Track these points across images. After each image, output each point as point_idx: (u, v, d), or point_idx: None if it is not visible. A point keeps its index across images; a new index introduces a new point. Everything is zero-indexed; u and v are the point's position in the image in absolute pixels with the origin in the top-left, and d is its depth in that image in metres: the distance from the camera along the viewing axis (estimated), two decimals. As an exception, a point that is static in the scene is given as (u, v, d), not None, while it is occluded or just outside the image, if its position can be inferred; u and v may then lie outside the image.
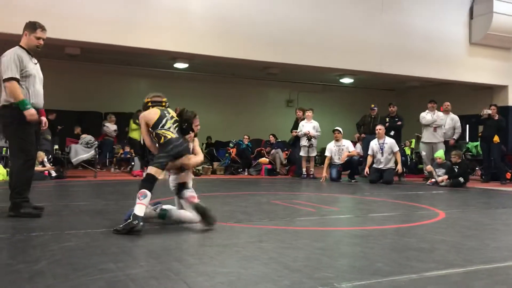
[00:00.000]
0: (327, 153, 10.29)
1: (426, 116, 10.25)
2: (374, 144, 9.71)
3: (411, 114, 12.44)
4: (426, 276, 2.55)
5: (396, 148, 9.61)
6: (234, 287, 2.28)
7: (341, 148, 10.13)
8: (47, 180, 8.59)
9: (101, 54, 12.86)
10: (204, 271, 2.57)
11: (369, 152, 9.74)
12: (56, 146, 9.86)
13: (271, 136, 13.04)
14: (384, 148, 9.57)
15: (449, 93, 14.98)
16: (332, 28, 11.63)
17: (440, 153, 9.49)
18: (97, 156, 10.56)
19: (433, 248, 3.30)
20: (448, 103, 10.78)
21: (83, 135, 10.27)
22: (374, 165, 9.66)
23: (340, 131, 10.21)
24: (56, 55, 13.09)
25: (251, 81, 17.11)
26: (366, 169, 9.83)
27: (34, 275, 2.40)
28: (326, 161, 10.17)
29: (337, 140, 10.20)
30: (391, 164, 9.56)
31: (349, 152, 10.05)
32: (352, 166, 10.05)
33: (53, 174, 8.99)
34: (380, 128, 9.71)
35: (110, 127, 12.62)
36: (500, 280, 2.55)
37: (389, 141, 9.63)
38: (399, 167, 9.53)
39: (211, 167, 12.18)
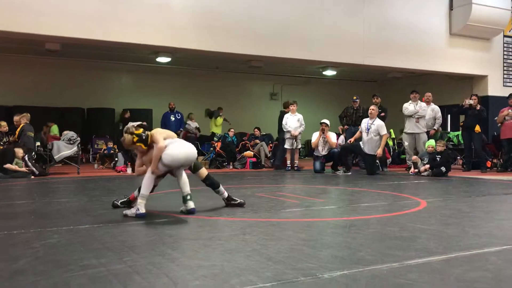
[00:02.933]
0: (313, 140, 10.33)
1: (408, 107, 10.34)
2: (363, 122, 9.70)
3: (393, 104, 12.57)
4: (407, 264, 2.59)
5: (383, 131, 9.36)
6: (217, 279, 2.28)
7: (326, 140, 10.18)
8: (29, 178, 8.48)
9: (81, 49, 12.71)
10: (187, 265, 2.57)
11: (361, 128, 9.74)
12: (38, 143, 9.72)
13: (255, 129, 13.05)
14: (370, 128, 9.45)
15: (430, 84, 15.16)
16: (315, 20, 11.65)
17: (431, 142, 9.53)
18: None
19: (414, 236, 3.35)
20: (430, 94, 10.90)
21: (65, 132, 10.15)
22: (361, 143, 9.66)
23: (327, 124, 10.23)
24: (36, 51, 12.91)
25: (235, 75, 17.07)
26: (351, 140, 9.92)
27: (14, 274, 2.37)
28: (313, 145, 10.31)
29: (323, 132, 10.22)
30: (374, 149, 9.40)
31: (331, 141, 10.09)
32: (335, 157, 10.11)
33: (36, 172, 8.88)
34: (373, 109, 9.62)
35: (192, 124, 13.45)
36: (479, 266, 2.60)
37: (377, 123, 9.44)
38: (379, 151, 9.32)
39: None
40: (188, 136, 13.12)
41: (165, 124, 13.03)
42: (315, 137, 10.34)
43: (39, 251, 2.83)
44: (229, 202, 4.75)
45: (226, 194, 4.76)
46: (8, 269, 2.46)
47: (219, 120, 14.77)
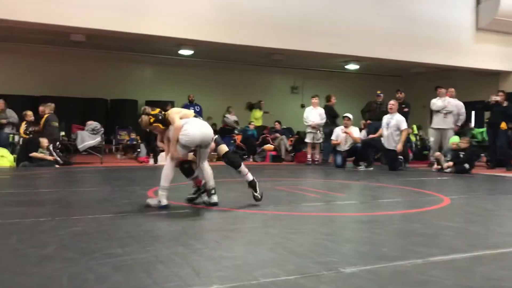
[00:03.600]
0: (333, 137, 10.22)
1: (436, 102, 10.19)
2: (384, 118, 9.59)
3: (416, 100, 12.39)
4: (431, 261, 2.57)
5: (403, 126, 9.20)
6: (239, 271, 2.30)
7: (347, 135, 10.08)
8: (54, 167, 8.64)
9: (106, 41, 12.84)
10: (210, 255, 2.59)
11: (382, 125, 9.64)
12: (62, 133, 9.89)
13: (276, 123, 13.02)
14: (390, 123, 9.33)
15: (455, 79, 14.87)
16: (338, 13, 11.53)
17: (455, 139, 9.37)
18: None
19: (438, 233, 3.31)
20: (453, 90, 10.69)
21: (89, 122, 10.29)
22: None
23: (350, 118, 10.12)
24: (61, 42, 13.09)
25: (256, 68, 17.03)
26: (372, 136, 9.85)
27: (42, 259, 2.43)
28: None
29: (346, 127, 10.11)
30: (394, 144, 9.27)
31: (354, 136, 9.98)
32: (357, 152, 10.02)
33: (60, 161, 9.03)
34: (393, 104, 9.49)
35: (230, 117, 13.45)
36: (505, 265, 2.56)
37: (397, 118, 9.30)
38: (399, 146, 9.17)
39: (216, 154, 12.20)
40: (225, 129, 13.19)
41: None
42: (336, 133, 10.23)
43: (65, 239, 2.89)
44: (250, 188, 4.44)
45: (250, 178, 4.40)
46: (36, 255, 2.51)
47: (259, 112, 14.56)
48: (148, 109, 4.29)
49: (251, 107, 14.78)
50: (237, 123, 13.89)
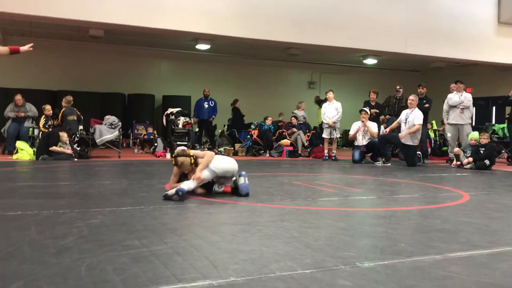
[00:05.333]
0: (351, 132, 10.15)
1: (453, 97, 10.03)
2: (403, 113, 9.46)
3: (435, 95, 12.21)
4: (450, 257, 2.53)
5: (418, 122, 9.07)
6: (256, 264, 2.29)
7: (365, 129, 9.99)
8: (72, 160, 8.75)
9: (124, 35, 12.94)
10: (227, 248, 2.60)
11: (399, 119, 9.54)
12: (81, 127, 10.00)
13: (293, 118, 12.98)
14: (408, 118, 9.22)
15: (475, 74, 14.65)
16: (356, 7, 11.41)
17: (474, 135, 9.24)
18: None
19: (457, 229, 3.26)
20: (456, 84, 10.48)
21: (107, 116, 10.38)
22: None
23: (367, 112, 10.03)
24: (80, 37, 13.24)
25: (273, 62, 17.00)
26: (386, 130, 9.78)
27: (61, 250, 2.46)
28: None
29: (363, 121, 10.02)
30: (414, 140, 9.18)
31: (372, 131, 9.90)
32: (375, 148, 9.93)
33: (75, 155, 9.13)
34: (412, 99, 9.35)
35: (298, 113, 13.41)
36: (527, 262, 2.50)
37: (415, 113, 9.18)
38: (402, 134, 9.14)
39: (232, 148, 12.24)
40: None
41: (198, 111, 13.09)
42: (354, 127, 10.15)
43: (83, 230, 2.92)
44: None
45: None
46: (55, 245, 2.55)
47: None
48: (186, 151, 4.50)
49: (319, 102, 14.56)
50: (305, 118, 13.69)
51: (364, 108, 10.14)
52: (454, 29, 12.39)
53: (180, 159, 4.45)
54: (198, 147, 11.54)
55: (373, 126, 10.01)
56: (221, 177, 4.54)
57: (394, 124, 9.64)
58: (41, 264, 2.21)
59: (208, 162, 4.39)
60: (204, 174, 4.36)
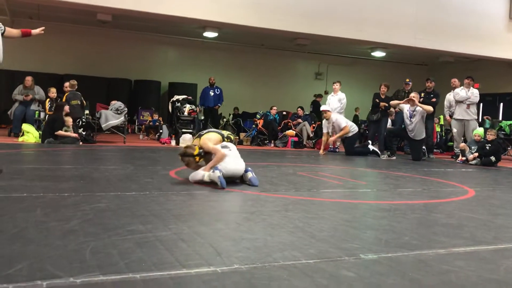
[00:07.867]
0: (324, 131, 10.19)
1: (460, 92, 9.97)
2: (406, 109, 9.42)
3: (443, 90, 12.13)
4: (454, 251, 2.53)
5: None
6: (260, 253, 2.30)
7: (332, 127, 10.00)
8: (77, 144, 8.77)
9: (131, 21, 12.91)
10: (230, 236, 2.60)
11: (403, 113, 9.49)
12: (86, 112, 10.02)
13: (299, 109, 12.95)
14: (413, 116, 9.15)
15: (484, 70, 14.54)
16: (366, -1, 11.33)
17: (479, 131, 9.18)
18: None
19: (461, 224, 3.26)
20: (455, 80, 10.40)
21: (113, 101, 10.40)
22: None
23: (326, 112, 10.00)
24: (88, 21, 13.21)
25: (280, 52, 16.93)
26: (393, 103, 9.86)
27: (66, 233, 2.47)
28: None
29: (327, 119, 10.04)
30: (421, 135, 9.21)
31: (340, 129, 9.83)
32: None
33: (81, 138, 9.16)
34: (414, 96, 9.37)
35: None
36: (531, 259, 2.50)
37: (420, 109, 9.16)
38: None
39: (237, 137, 12.24)
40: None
41: (204, 99, 13.09)
42: (324, 126, 10.17)
43: (88, 214, 2.93)
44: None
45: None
46: (60, 228, 2.56)
47: None
48: (190, 150, 4.47)
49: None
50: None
51: (324, 107, 10.16)
52: (464, 23, 12.28)
53: (185, 159, 4.51)
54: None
55: (341, 122, 9.92)
56: (228, 176, 4.53)
57: (394, 102, 9.68)
58: (46, 246, 2.22)
59: (217, 163, 4.37)
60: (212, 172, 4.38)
